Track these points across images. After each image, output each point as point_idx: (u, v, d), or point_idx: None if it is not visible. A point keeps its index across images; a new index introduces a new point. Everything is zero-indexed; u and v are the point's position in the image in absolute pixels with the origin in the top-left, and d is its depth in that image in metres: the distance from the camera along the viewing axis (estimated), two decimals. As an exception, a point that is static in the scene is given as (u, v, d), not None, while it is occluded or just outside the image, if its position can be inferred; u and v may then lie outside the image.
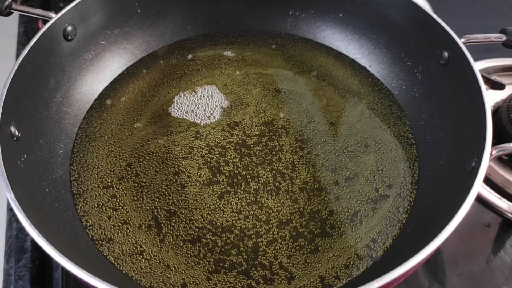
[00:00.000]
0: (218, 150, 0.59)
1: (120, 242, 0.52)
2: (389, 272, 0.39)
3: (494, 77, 0.68)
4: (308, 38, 0.71)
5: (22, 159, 0.51)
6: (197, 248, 0.51)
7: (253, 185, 0.56)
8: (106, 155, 0.59)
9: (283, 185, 0.56)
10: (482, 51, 0.69)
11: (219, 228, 0.52)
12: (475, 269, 0.54)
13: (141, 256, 0.51)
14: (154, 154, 0.59)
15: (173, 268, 0.50)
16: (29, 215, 0.43)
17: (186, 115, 0.63)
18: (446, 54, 0.57)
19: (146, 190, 0.56)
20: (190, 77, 0.68)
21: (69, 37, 0.61)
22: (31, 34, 0.74)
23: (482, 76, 0.52)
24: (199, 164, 0.58)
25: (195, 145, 0.60)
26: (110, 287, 0.38)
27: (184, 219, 0.53)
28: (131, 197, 0.55)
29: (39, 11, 0.60)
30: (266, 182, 0.56)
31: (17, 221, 0.44)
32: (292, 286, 0.48)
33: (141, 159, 0.59)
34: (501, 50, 0.60)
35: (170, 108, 0.64)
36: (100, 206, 0.54)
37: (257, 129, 0.61)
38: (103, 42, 0.66)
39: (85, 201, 0.55)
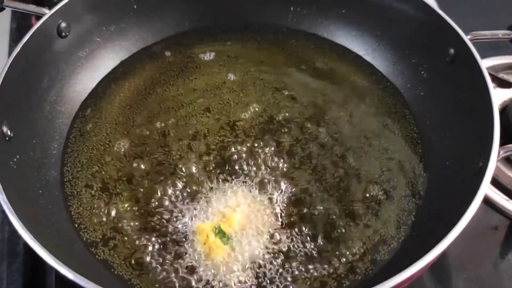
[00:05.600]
0: (217, 150, 0.58)
1: (115, 245, 0.51)
2: (394, 277, 0.39)
3: (501, 75, 0.67)
4: (311, 33, 0.70)
5: (15, 159, 0.51)
6: (195, 251, 0.50)
7: (253, 187, 0.55)
8: (100, 155, 0.58)
9: (284, 186, 0.55)
10: (489, 48, 0.68)
11: (218, 231, 0.51)
12: (482, 273, 0.54)
13: (137, 259, 0.49)
14: (151, 155, 0.58)
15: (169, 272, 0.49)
16: (22, 218, 0.43)
17: (184, 114, 0.62)
18: (452, 51, 0.56)
19: (142, 192, 0.55)
20: (188, 74, 0.67)
21: (63, 34, 0.60)
22: (24, 30, 0.73)
23: (490, 74, 0.52)
24: (197, 165, 0.57)
25: (193, 145, 0.59)
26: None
27: (182, 224, 0.52)
28: (127, 198, 0.54)
29: (32, 7, 0.59)
30: (267, 183, 0.55)
31: (10, 223, 0.43)
32: (293, 291, 0.47)
33: (137, 159, 0.57)
34: (509, 47, 0.59)
35: (167, 106, 0.63)
36: (95, 208, 0.53)
37: (257, 128, 0.60)
38: (98, 39, 0.65)
39: (79, 203, 0.54)
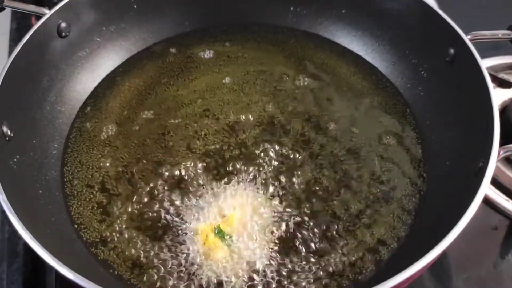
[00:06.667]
0: (217, 151, 0.58)
1: (115, 245, 0.51)
2: (394, 277, 0.39)
3: (501, 75, 0.67)
4: (311, 33, 0.70)
5: (15, 159, 0.51)
6: (195, 251, 0.50)
7: (252, 187, 0.54)
8: (100, 155, 0.58)
9: (284, 187, 0.54)
10: (489, 48, 0.68)
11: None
12: (482, 273, 0.54)
13: (137, 259, 0.49)
14: (151, 155, 0.58)
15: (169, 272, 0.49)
16: (22, 218, 0.43)
17: (184, 114, 0.62)
18: (452, 51, 0.56)
19: (142, 192, 0.54)
20: (188, 74, 0.66)
21: (63, 34, 0.60)
22: (24, 31, 0.73)
23: (489, 74, 0.52)
24: (197, 165, 0.57)
25: (193, 145, 0.59)
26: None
27: (182, 224, 0.52)
28: (127, 199, 0.54)
29: (32, 7, 0.59)
30: (267, 183, 0.55)
31: (10, 223, 0.43)
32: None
33: (138, 160, 0.57)
34: (509, 47, 0.59)
35: (167, 106, 0.63)
36: (95, 208, 0.53)
37: (257, 128, 0.60)
38: (98, 39, 0.65)
39: (79, 203, 0.54)
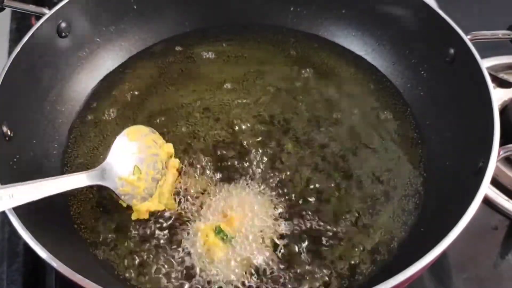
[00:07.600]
0: (216, 151, 0.58)
1: (115, 245, 0.51)
2: (393, 277, 0.39)
3: (501, 75, 0.67)
4: (311, 33, 0.70)
5: (15, 159, 0.51)
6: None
7: (252, 188, 0.54)
8: (100, 155, 0.58)
9: (284, 186, 0.54)
10: (489, 48, 0.68)
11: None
12: (482, 273, 0.54)
13: (137, 259, 0.50)
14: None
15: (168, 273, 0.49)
16: (22, 218, 0.43)
17: (184, 115, 0.62)
18: (452, 51, 0.56)
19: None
20: (188, 74, 0.66)
21: (63, 34, 0.60)
22: (24, 30, 0.73)
23: (490, 74, 0.52)
24: (197, 165, 0.56)
25: (192, 145, 0.59)
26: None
27: (182, 224, 0.52)
28: (127, 198, 0.54)
29: (31, 7, 0.59)
30: (267, 183, 0.55)
31: (10, 223, 0.43)
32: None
33: (138, 160, 0.57)
34: (509, 47, 0.59)
35: (167, 106, 0.63)
36: (95, 208, 0.53)
37: (257, 128, 0.60)
38: (98, 39, 0.65)
39: (80, 203, 0.54)
